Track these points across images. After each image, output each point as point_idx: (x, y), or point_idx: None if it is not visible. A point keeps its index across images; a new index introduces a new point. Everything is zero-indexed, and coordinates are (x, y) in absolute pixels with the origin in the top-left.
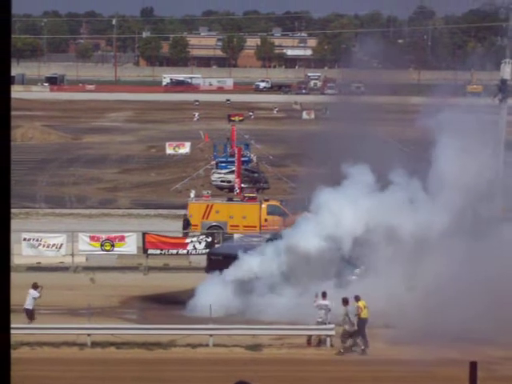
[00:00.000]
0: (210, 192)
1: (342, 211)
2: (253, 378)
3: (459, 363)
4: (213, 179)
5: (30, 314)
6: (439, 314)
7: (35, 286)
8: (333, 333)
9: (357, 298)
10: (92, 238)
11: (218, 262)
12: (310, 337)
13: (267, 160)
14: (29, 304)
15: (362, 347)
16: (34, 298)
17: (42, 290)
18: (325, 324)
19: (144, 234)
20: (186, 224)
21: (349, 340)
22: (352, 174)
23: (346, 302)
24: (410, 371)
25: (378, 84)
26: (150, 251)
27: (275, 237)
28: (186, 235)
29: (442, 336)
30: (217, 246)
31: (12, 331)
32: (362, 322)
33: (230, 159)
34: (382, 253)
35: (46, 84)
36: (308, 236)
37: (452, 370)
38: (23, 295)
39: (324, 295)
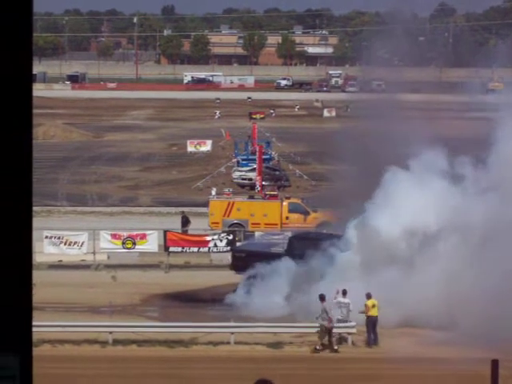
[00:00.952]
0: (231, 190)
1: (416, 198)
2: (274, 376)
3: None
4: (234, 177)
5: None
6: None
7: None
8: (354, 331)
9: (368, 296)
10: (113, 236)
11: (242, 259)
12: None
13: (288, 158)
14: None
15: (335, 347)
16: None
17: (35, 288)
18: (345, 322)
19: (165, 231)
20: (185, 221)
21: (326, 337)
22: (426, 158)
23: (322, 298)
24: (433, 370)
25: (399, 82)
26: (171, 249)
27: (299, 235)
28: (185, 233)
29: (492, 338)
30: (241, 243)
31: (34, 329)
32: (370, 320)
33: (251, 157)
34: (448, 245)
35: (68, 82)
36: (387, 222)
37: (472, 369)
38: (45, 293)
39: (344, 293)
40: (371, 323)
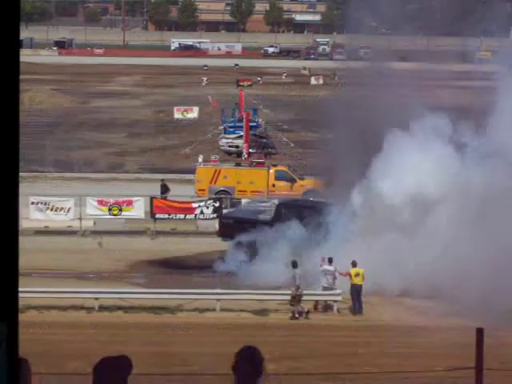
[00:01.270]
0: (217, 157)
1: (418, 163)
2: (258, 343)
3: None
4: (221, 144)
5: None
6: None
7: None
8: (340, 298)
9: (353, 264)
10: (100, 203)
11: (229, 225)
12: (316, 302)
13: (275, 125)
14: None
15: (305, 311)
16: None
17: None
18: (331, 289)
19: (152, 198)
20: (164, 189)
21: (299, 304)
22: (428, 123)
23: (294, 264)
24: (418, 337)
25: (386, 50)
26: (157, 216)
27: (286, 202)
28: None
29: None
30: (228, 210)
31: (20, 295)
32: (354, 288)
33: (238, 124)
34: (449, 212)
35: (55, 48)
36: (390, 187)
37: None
38: (31, 259)
39: (330, 260)
40: (355, 291)
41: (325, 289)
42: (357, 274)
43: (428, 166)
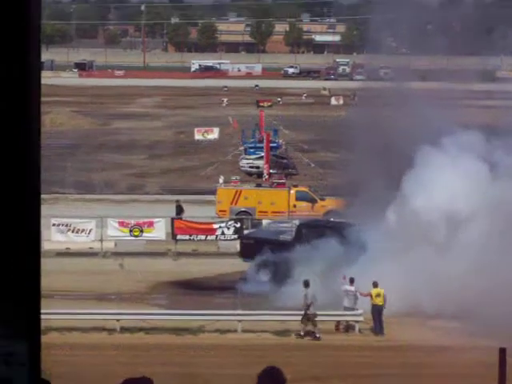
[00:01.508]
0: (238, 178)
1: (449, 179)
2: (281, 364)
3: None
4: (241, 165)
5: None
6: None
7: None
8: (361, 319)
9: (374, 285)
10: (121, 224)
11: (250, 246)
12: (338, 322)
13: (296, 146)
14: None
15: (317, 335)
16: None
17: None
18: (352, 310)
19: (173, 219)
20: (179, 210)
21: (309, 324)
22: (460, 138)
23: (306, 284)
24: (441, 357)
25: (406, 70)
26: (178, 237)
27: (307, 223)
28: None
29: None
30: (250, 230)
31: (42, 316)
32: (375, 308)
33: (258, 145)
34: (479, 230)
35: (75, 70)
36: (424, 204)
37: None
38: (52, 280)
39: (352, 281)
40: (376, 312)
41: (346, 309)
42: (378, 295)
43: (460, 182)
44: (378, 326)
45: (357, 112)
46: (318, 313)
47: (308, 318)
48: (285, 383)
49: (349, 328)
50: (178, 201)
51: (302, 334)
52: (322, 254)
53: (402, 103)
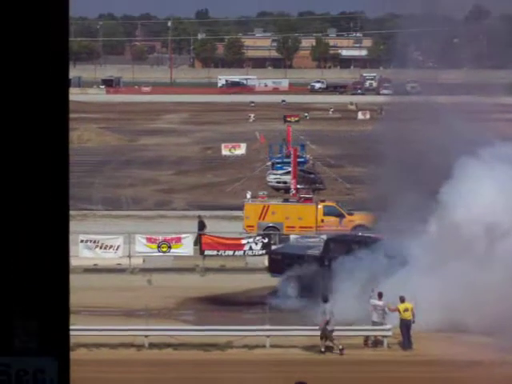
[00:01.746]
0: (265, 193)
1: (489, 190)
2: (309, 379)
3: None
4: (268, 180)
5: None
6: None
7: None
8: (390, 333)
9: (401, 299)
10: (149, 240)
11: (278, 261)
12: (367, 337)
13: (323, 161)
14: None
15: (340, 347)
16: None
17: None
18: (381, 324)
19: (200, 235)
20: (201, 226)
21: (328, 339)
22: (499, 150)
23: (325, 299)
24: (470, 372)
25: (433, 84)
26: (206, 252)
27: (335, 237)
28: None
29: None
30: (278, 245)
31: (70, 333)
32: (403, 323)
33: (285, 160)
34: None
35: (102, 86)
36: (465, 216)
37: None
38: (80, 297)
39: (380, 295)
40: (404, 326)
41: (374, 324)
42: (406, 309)
43: (499, 193)
44: (406, 341)
45: (385, 126)
46: (347, 328)
47: (324, 335)
48: None
49: (377, 343)
50: (199, 216)
51: (322, 350)
52: (359, 268)
53: (431, 117)
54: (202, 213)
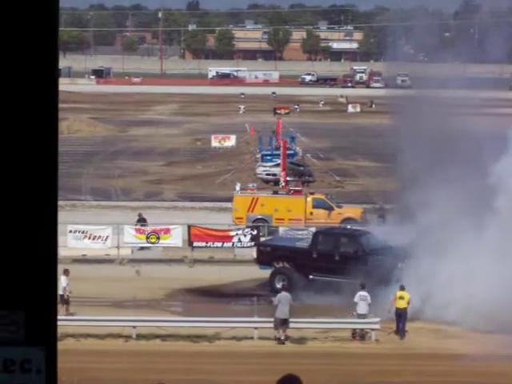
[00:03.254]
0: (255, 185)
1: None
2: (297, 371)
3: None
4: (258, 172)
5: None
6: None
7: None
8: (377, 326)
9: (400, 287)
10: (137, 231)
11: (267, 253)
12: (354, 330)
13: (313, 153)
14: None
15: (282, 338)
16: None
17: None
18: (365, 316)
19: (189, 226)
20: (142, 220)
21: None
22: None
23: (282, 289)
24: (458, 366)
25: (424, 77)
26: (195, 244)
27: (323, 230)
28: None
29: None
30: (267, 238)
31: (58, 323)
32: (397, 311)
33: (275, 152)
34: None
35: (93, 77)
36: None
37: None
38: (71, 287)
39: (363, 286)
40: (398, 314)
41: (360, 316)
42: (401, 297)
43: None
44: (399, 328)
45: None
46: (335, 321)
47: (281, 323)
48: None
49: (364, 336)
50: (140, 214)
51: (281, 338)
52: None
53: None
54: (192, 204)
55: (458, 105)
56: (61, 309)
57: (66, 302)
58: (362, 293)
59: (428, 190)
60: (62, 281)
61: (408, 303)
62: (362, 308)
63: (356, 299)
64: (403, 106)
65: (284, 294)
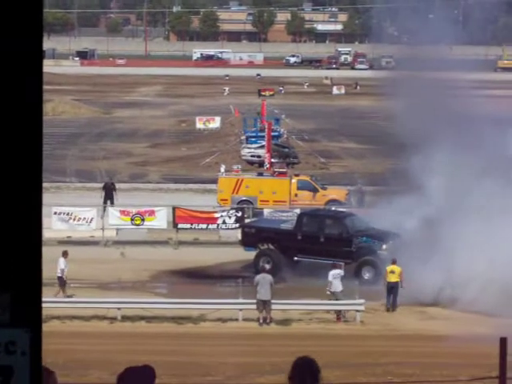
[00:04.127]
0: (240, 167)
1: None
2: (281, 353)
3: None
4: (243, 154)
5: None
6: None
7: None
8: (362, 308)
9: (392, 261)
10: (122, 213)
11: (251, 235)
12: (339, 312)
13: (297, 135)
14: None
15: (262, 320)
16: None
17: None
18: (340, 294)
19: (174, 208)
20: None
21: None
22: None
23: (262, 269)
24: (442, 347)
25: (408, 59)
26: (180, 225)
27: (308, 212)
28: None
29: None
30: (252, 219)
31: (43, 305)
32: (388, 285)
33: (260, 134)
34: None
35: (77, 58)
36: None
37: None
38: (53, 269)
39: (334, 266)
40: (389, 288)
41: (336, 294)
42: (392, 271)
43: None
44: (389, 302)
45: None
46: (319, 302)
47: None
48: (319, 373)
49: (343, 316)
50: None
51: (261, 321)
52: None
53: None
54: (176, 186)
55: (446, 86)
56: (59, 291)
57: (64, 283)
58: (335, 271)
59: (438, 157)
60: (61, 263)
61: (400, 277)
62: (337, 286)
63: (330, 278)
64: (398, 87)
65: (262, 276)
